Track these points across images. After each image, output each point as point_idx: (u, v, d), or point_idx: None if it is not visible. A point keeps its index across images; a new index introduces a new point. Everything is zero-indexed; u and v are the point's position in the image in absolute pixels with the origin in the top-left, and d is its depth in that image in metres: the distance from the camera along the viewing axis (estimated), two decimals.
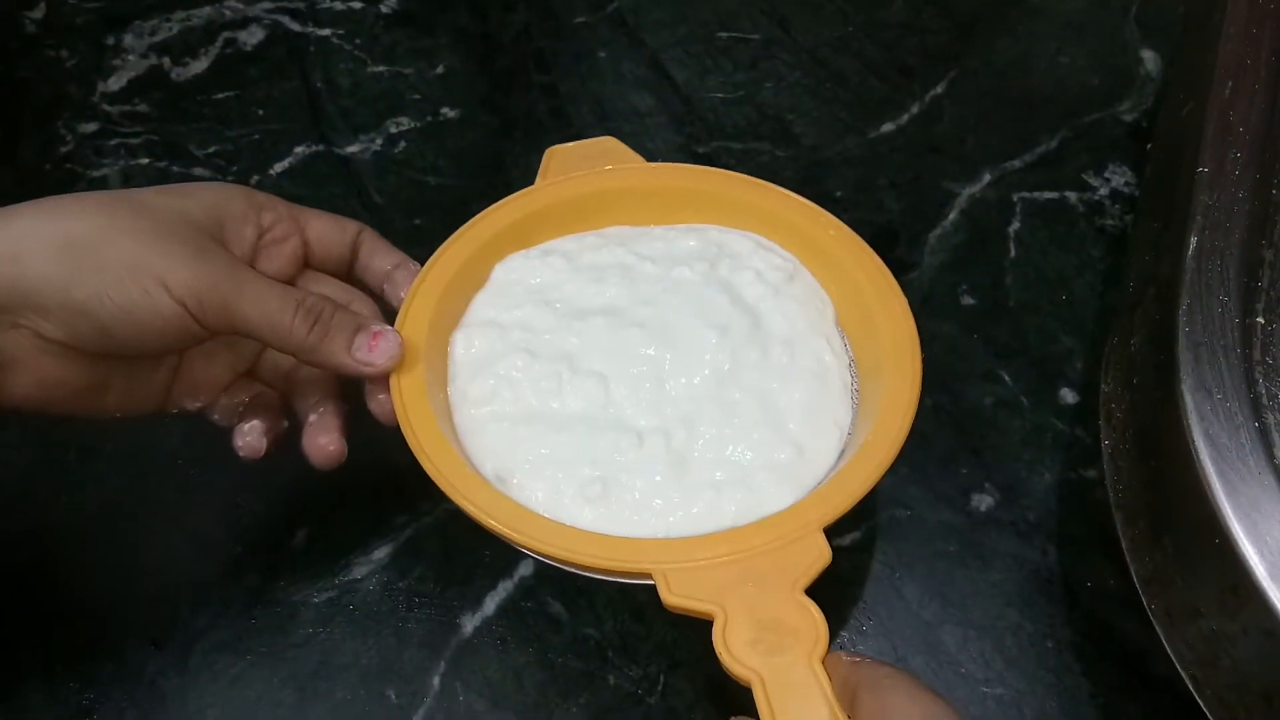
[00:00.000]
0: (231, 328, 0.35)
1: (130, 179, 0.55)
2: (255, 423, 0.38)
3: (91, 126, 0.57)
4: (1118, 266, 0.50)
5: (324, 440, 0.38)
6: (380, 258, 0.40)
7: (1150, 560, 0.36)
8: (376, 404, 0.38)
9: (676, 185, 0.43)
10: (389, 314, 0.39)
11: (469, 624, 0.40)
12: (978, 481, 0.44)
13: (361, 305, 0.39)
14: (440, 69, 0.60)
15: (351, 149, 0.56)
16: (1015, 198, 0.54)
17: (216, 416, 0.39)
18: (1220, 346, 0.35)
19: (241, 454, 0.38)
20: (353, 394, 0.39)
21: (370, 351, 0.36)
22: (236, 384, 0.40)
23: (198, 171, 0.55)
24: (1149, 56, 0.60)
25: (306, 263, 0.39)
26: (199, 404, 0.39)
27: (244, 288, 0.34)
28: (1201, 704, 0.34)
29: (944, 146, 0.56)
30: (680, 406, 0.37)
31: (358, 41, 0.61)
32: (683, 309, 0.40)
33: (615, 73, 0.60)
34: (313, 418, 0.38)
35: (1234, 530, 0.31)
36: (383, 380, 0.38)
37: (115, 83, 0.59)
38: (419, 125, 0.57)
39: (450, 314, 0.40)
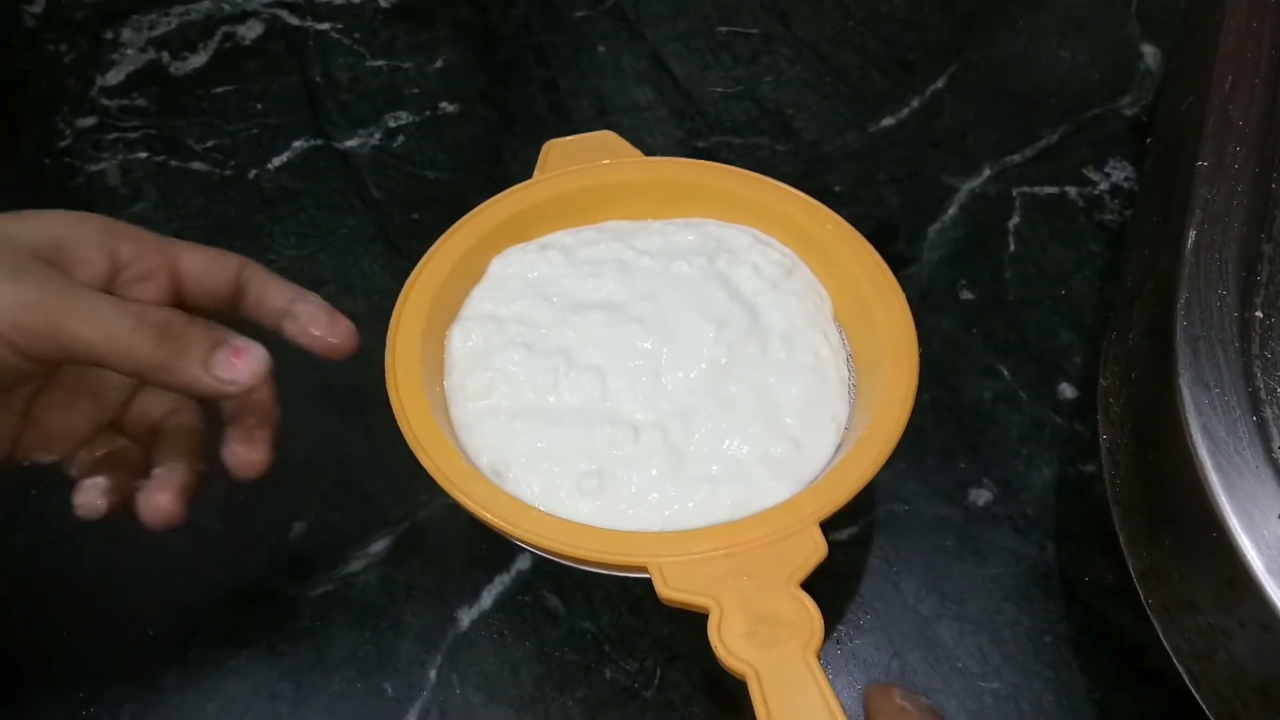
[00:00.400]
0: (64, 353, 0.31)
1: (128, 173, 0.55)
2: (98, 480, 0.34)
3: (90, 121, 0.57)
4: (1117, 261, 0.50)
5: (159, 499, 0.33)
6: (273, 293, 0.36)
7: (1147, 554, 0.36)
8: (232, 455, 0.35)
9: (675, 180, 0.43)
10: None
11: (466, 618, 0.40)
12: (976, 476, 0.44)
13: None
14: (439, 63, 0.60)
15: (350, 143, 0.56)
16: (1015, 193, 0.54)
17: (74, 472, 0.35)
18: (1218, 341, 0.35)
19: (78, 514, 0.33)
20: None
21: (232, 368, 0.32)
22: (99, 436, 0.36)
23: (196, 166, 0.55)
24: (1149, 51, 0.60)
25: (180, 304, 0.35)
26: (53, 456, 0.35)
27: (73, 304, 0.30)
28: (1198, 698, 0.34)
29: (944, 141, 0.56)
30: (677, 400, 0.37)
31: (356, 36, 0.61)
32: (680, 303, 0.40)
33: (615, 67, 0.60)
34: (157, 472, 0.34)
35: (1231, 524, 0.31)
36: (240, 425, 0.35)
37: (114, 77, 0.59)
38: (418, 119, 0.57)
39: (447, 307, 0.40)
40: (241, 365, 0.32)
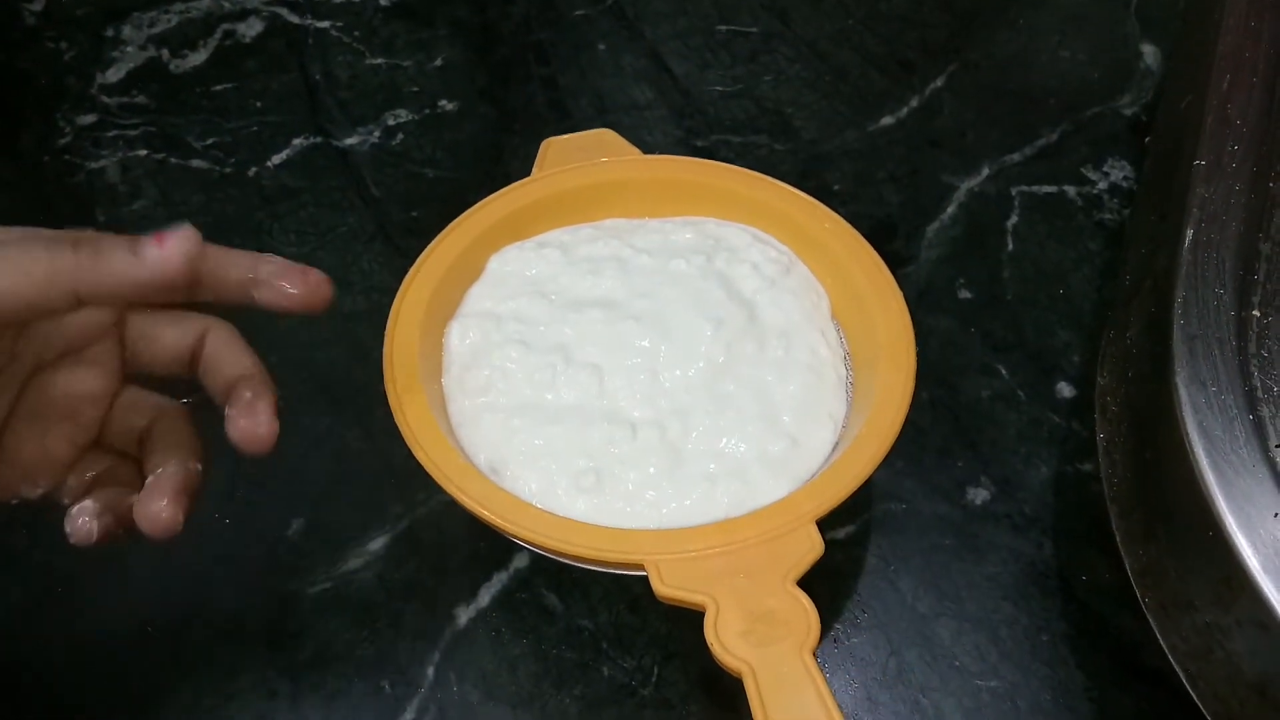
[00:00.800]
0: None
1: (128, 170, 0.55)
2: (87, 503, 0.32)
3: (90, 118, 0.57)
4: (1115, 260, 0.50)
5: (155, 507, 0.31)
6: (231, 265, 0.33)
7: (1144, 553, 0.36)
8: (238, 431, 0.32)
9: (673, 178, 0.43)
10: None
11: (464, 615, 0.40)
12: (974, 475, 0.44)
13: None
14: (439, 61, 0.60)
15: (349, 141, 0.56)
16: (1014, 191, 0.54)
17: (66, 500, 0.33)
18: (1215, 339, 0.35)
19: (72, 541, 0.32)
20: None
21: (162, 247, 0.30)
22: (85, 459, 0.34)
23: (195, 163, 0.55)
24: (1149, 51, 0.60)
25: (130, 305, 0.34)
26: (40, 489, 0.33)
27: None
28: (1195, 697, 0.34)
29: (943, 140, 0.56)
30: (675, 398, 0.37)
31: (356, 34, 0.61)
32: (678, 301, 0.40)
33: (615, 65, 0.60)
34: (150, 479, 0.32)
35: (1228, 523, 0.31)
36: (238, 402, 0.33)
37: (114, 74, 0.59)
38: (417, 117, 0.57)
39: (446, 305, 0.40)
40: (170, 241, 0.30)
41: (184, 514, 0.32)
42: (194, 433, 0.34)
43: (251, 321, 0.50)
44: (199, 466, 0.33)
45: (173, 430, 0.34)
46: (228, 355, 0.34)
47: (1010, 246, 0.51)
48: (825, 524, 0.33)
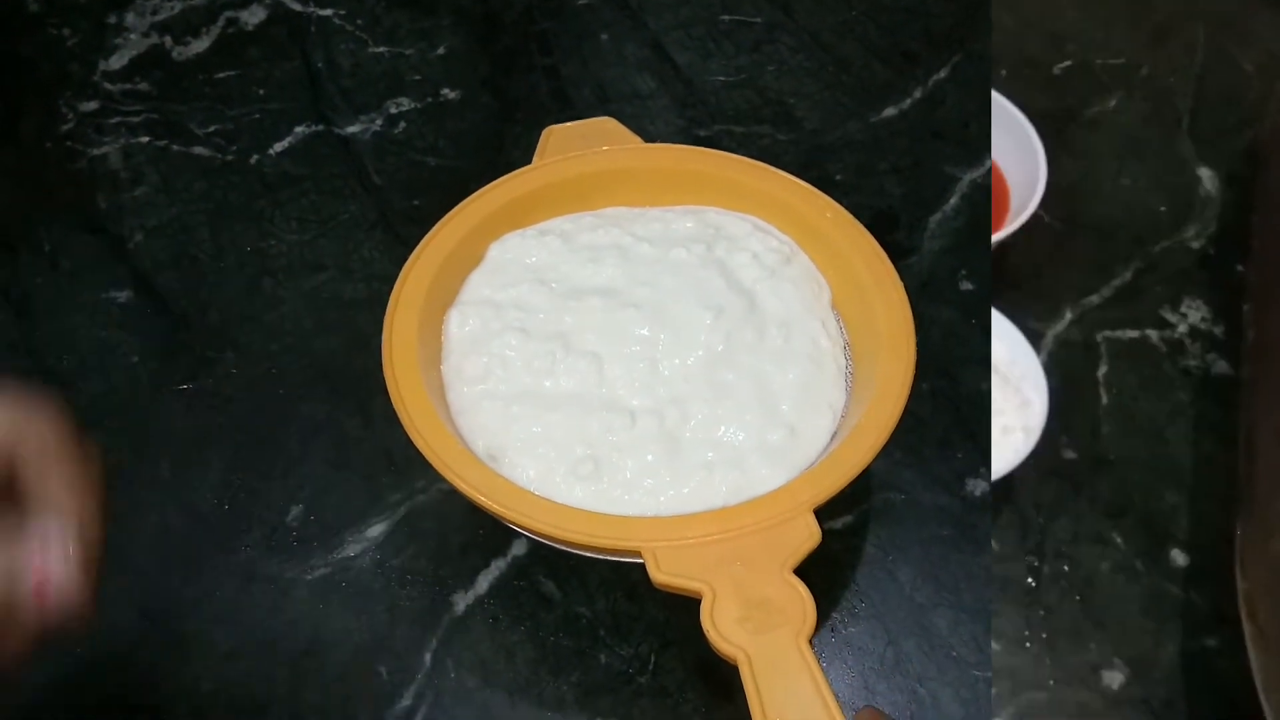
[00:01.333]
0: None
1: (130, 157, 0.55)
2: None
3: (92, 105, 0.57)
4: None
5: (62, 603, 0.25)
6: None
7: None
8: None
9: (674, 167, 0.43)
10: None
11: (461, 602, 0.40)
12: (973, 466, 0.44)
13: None
14: (441, 50, 0.60)
15: (352, 129, 0.56)
16: None
17: None
18: None
19: None
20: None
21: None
22: None
23: (197, 150, 0.55)
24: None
25: None
26: None
27: None
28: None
29: (946, 131, 0.56)
30: (674, 387, 0.37)
31: (359, 22, 0.61)
32: (678, 290, 0.40)
33: (617, 55, 0.60)
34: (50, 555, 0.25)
35: None
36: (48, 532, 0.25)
37: (116, 61, 0.59)
38: (419, 106, 0.57)
39: (445, 292, 0.40)
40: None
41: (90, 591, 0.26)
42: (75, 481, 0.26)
43: (250, 307, 0.50)
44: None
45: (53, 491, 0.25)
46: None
47: None
48: (824, 513, 0.33)
